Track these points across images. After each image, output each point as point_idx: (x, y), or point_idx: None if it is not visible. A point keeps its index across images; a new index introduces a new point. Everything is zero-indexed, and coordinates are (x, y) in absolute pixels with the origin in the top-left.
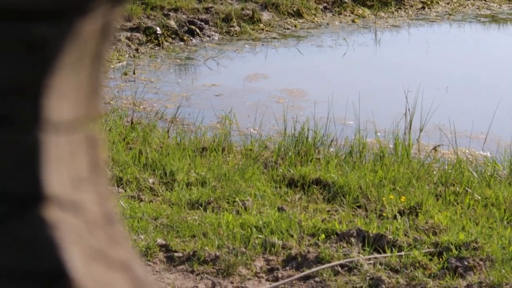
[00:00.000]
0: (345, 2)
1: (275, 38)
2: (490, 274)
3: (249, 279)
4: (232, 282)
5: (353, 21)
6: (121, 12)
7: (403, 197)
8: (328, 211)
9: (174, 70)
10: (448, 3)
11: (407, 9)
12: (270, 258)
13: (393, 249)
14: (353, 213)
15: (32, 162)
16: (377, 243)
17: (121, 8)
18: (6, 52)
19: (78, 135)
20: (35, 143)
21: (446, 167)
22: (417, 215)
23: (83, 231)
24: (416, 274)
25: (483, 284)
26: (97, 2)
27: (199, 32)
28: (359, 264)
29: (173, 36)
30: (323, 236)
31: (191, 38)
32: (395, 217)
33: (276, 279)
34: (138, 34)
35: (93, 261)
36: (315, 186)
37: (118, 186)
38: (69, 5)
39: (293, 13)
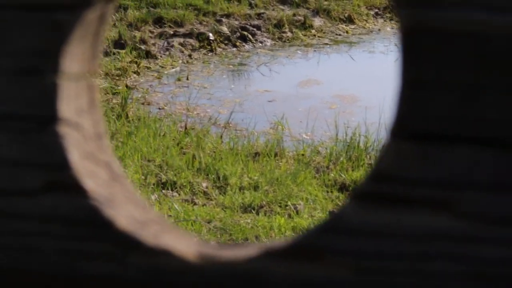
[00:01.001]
0: None
1: (327, 44)
2: None
3: None
4: None
5: None
6: (115, 5)
7: None
8: None
9: (227, 75)
10: None
11: None
12: None
13: None
14: None
15: (52, 97)
16: None
17: (114, 3)
18: (39, 29)
19: (82, 82)
20: (54, 85)
21: None
22: None
23: (81, 141)
24: None
25: None
26: (97, 0)
27: (251, 38)
28: None
29: (226, 42)
30: None
31: (244, 44)
32: None
33: None
34: (191, 40)
35: (86, 159)
36: None
37: (172, 190)
38: (79, 1)
39: (344, 19)
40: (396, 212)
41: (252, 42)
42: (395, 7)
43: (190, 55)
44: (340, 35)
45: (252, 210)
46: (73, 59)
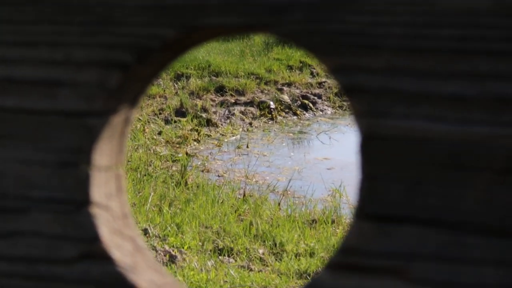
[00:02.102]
0: None
1: None
2: None
3: None
4: None
5: None
6: (137, 111)
7: None
8: None
9: (287, 143)
10: None
11: None
12: None
13: None
14: None
15: (86, 185)
16: None
17: (137, 109)
18: (75, 131)
19: (110, 172)
20: (87, 175)
21: None
22: None
23: (110, 220)
24: None
25: None
26: (122, 107)
27: (312, 107)
28: None
29: (286, 110)
30: None
31: (304, 112)
32: None
33: None
34: (252, 108)
35: (114, 234)
36: None
37: (229, 256)
38: (107, 109)
39: None
40: (360, 278)
41: (312, 111)
42: (355, 116)
43: (250, 123)
44: None
45: (308, 277)
46: (103, 154)
